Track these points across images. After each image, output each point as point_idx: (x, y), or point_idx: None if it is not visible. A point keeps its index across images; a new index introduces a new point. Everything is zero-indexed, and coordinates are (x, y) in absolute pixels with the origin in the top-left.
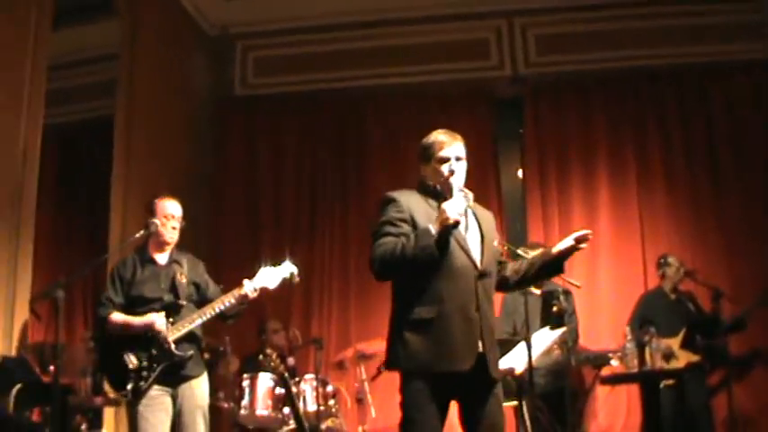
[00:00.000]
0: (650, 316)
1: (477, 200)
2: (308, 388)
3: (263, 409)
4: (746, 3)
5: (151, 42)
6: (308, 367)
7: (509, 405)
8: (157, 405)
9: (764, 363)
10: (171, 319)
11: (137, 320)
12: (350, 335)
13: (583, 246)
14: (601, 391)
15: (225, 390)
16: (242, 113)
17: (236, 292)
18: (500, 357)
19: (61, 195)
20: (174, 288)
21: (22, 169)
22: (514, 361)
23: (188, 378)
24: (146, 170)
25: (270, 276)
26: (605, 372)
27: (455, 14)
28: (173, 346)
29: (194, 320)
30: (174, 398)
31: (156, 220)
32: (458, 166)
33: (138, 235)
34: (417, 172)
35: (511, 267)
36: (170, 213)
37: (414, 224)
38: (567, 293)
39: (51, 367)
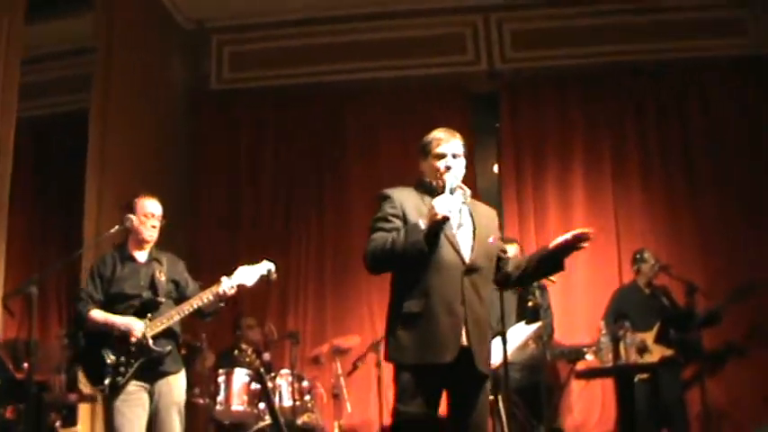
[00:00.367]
0: (625, 310)
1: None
2: (283, 383)
3: (238, 404)
4: None
5: (127, 36)
6: (283, 362)
7: None
8: (134, 400)
9: (737, 357)
10: (149, 315)
11: (118, 321)
12: (326, 330)
13: (583, 245)
14: (576, 386)
15: (201, 385)
16: (217, 108)
17: (214, 289)
18: None
19: (35, 190)
20: (153, 285)
21: None
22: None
23: (166, 374)
24: (120, 164)
25: (247, 274)
26: (580, 366)
27: (431, 9)
28: (150, 342)
29: (172, 317)
30: (152, 394)
31: (132, 216)
32: (454, 163)
33: (113, 230)
34: (394, 166)
35: (513, 263)
36: (150, 212)
37: (405, 219)
38: (542, 289)
39: (25, 364)
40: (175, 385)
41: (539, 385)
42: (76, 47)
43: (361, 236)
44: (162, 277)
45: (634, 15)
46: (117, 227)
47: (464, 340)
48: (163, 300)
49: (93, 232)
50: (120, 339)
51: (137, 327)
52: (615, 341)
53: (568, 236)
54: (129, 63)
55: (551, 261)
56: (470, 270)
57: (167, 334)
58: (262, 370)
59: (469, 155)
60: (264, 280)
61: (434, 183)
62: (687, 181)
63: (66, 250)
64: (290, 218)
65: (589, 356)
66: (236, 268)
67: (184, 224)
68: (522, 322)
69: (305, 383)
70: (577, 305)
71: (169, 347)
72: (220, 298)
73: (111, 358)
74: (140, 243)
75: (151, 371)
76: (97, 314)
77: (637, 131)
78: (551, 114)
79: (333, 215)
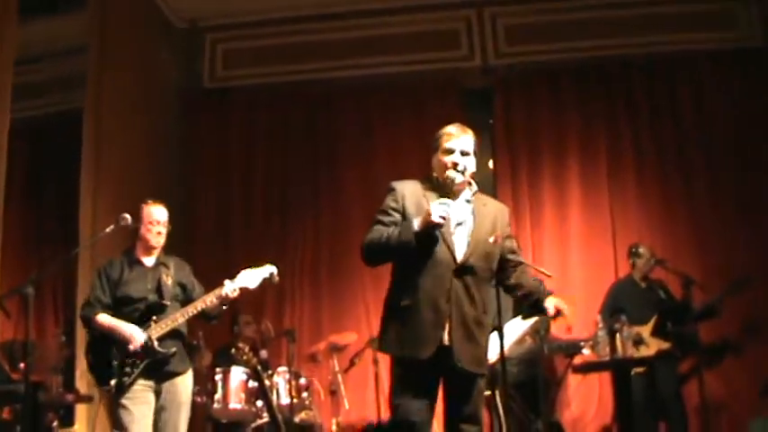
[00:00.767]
0: (621, 304)
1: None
2: (280, 381)
3: (236, 402)
4: None
5: (119, 35)
6: (280, 360)
7: None
8: (140, 399)
9: (735, 351)
10: (154, 318)
11: (122, 328)
12: (322, 327)
13: (557, 317)
14: (573, 380)
15: (198, 384)
16: (211, 106)
17: (218, 292)
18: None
19: (30, 190)
20: (159, 289)
21: None
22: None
23: (173, 374)
24: (115, 163)
25: (250, 277)
26: (577, 360)
27: (425, 5)
28: (156, 344)
29: (176, 319)
30: (158, 393)
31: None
32: (462, 160)
33: (108, 230)
34: (389, 162)
35: (523, 280)
36: (155, 219)
37: (404, 213)
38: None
39: (22, 365)
40: (182, 385)
41: (536, 379)
42: (69, 46)
43: (357, 232)
44: (168, 281)
45: (628, 9)
46: (112, 226)
47: (445, 339)
48: (168, 303)
49: (88, 231)
50: (124, 342)
51: (137, 337)
52: (612, 335)
53: (551, 305)
54: (123, 62)
55: (537, 307)
56: (461, 269)
57: (173, 335)
58: (259, 368)
59: None
60: (267, 283)
61: (440, 178)
62: (682, 174)
63: (61, 250)
64: (285, 215)
65: (586, 351)
66: (230, 267)
67: (178, 222)
68: (519, 317)
69: (302, 381)
70: (574, 298)
71: (174, 349)
72: (223, 301)
73: (117, 359)
74: (148, 249)
75: (157, 371)
76: (103, 318)
77: (630, 124)
78: (545, 109)
79: (328, 211)
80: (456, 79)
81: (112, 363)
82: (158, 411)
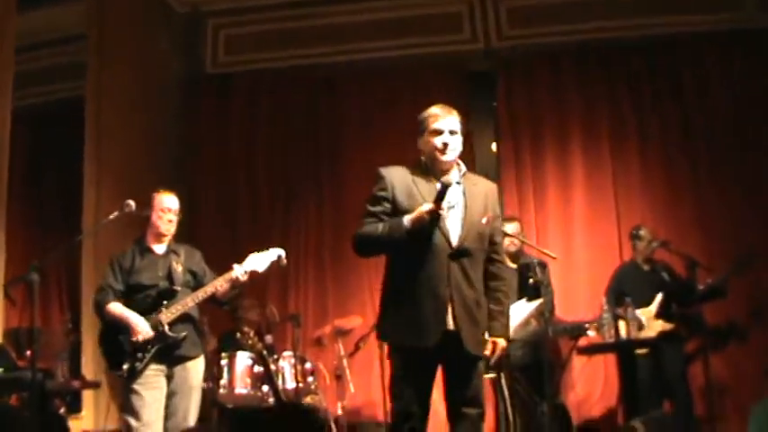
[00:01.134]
0: (625, 287)
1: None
2: (286, 365)
3: (242, 387)
4: None
5: (120, 21)
6: (285, 344)
7: (487, 378)
8: (152, 383)
9: (740, 336)
10: (165, 303)
11: (131, 319)
12: (327, 311)
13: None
14: (578, 362)
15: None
16: (213, 92)
17: (227, 276)
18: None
19: (32, 178)
20: (170, 276)
21: None
22: None
23: (185, 359)
24: (117, 150)
25: (258, 260)
26: (582, 342)
27: None
28: (167, 328)
29: (187, 304)
30: (169, 377)
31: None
32: (451, 140)
33: (112, 216)
34: (392, 146)
35: (496, 282)
36: (166, 207)
37: (394, 201)
38: (542, 265)
39: (28, 352)
40: (193, 370)
41: (541, 362)
42: (70, 34)
43: (361, 216)
44: (179, 268)
45: None
46: (116, 213)
47: (450, 324)
48: (179, 289)
49: (92, 218)
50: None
51: (142, 329)
52: (616, 317)
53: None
54: (123, 48)
55: None
56: (457, 253)
57: (185, 320)
58: (264, 352)
59: (467, 134)
60: (275, 266)
61: (430, 162)
62: (685, 155)
63: (65, 237)
64: (288, 200)
65: (591, 332)
66: (233, 252)
67: (182, 208)
68: (524, 299)
69: (307, 365)
70: (579, 280)
71: (185, 333)
72: (233, 284)
73: (129, 344)
74: (158, 237)
75: (169, 355)
76: (115, 308)
77: (633, 107)
78: (548, 91)
79: (331, 195)
80: (459, 62)
81: (124, 348)
82: (169, 396)
